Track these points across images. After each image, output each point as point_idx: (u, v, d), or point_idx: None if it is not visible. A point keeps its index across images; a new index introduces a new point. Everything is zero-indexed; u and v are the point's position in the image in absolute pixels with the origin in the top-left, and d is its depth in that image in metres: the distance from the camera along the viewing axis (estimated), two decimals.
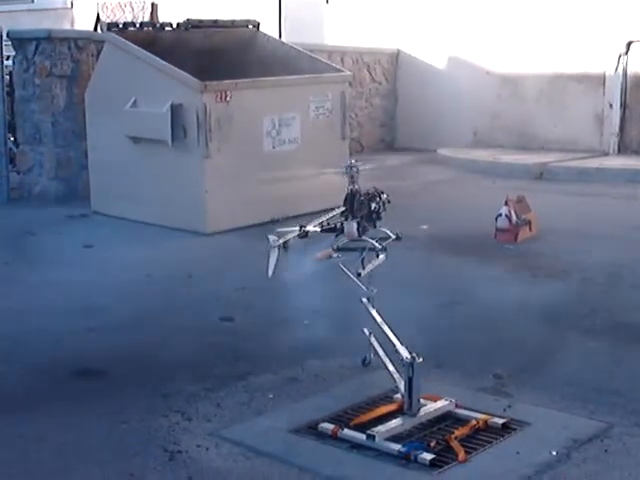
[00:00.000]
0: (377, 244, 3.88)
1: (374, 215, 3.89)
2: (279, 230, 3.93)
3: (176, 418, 3.78)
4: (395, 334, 3.77)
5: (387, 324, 3.83)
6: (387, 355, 3.84)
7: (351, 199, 3.86)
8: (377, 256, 3.91)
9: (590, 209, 7.98)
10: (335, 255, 3.85)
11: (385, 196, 3.92)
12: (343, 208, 3.88)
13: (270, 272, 3.81)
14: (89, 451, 3.52)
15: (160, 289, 5.75)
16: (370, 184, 4.01)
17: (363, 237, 3.88)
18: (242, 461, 3.41)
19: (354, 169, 3.87)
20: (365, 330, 4.05)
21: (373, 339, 4.00)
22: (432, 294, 5.48)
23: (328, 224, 3.91)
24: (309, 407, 3.86)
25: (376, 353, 3.97)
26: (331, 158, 7.31)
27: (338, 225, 3.89)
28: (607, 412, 3.77)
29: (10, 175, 8.71)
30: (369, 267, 3.91)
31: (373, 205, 3.87)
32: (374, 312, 3.89)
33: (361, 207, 3.86)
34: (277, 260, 3.82)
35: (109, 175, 7.71)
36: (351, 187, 3.87)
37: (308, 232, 3.87)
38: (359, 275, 3.90)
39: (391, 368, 3.79)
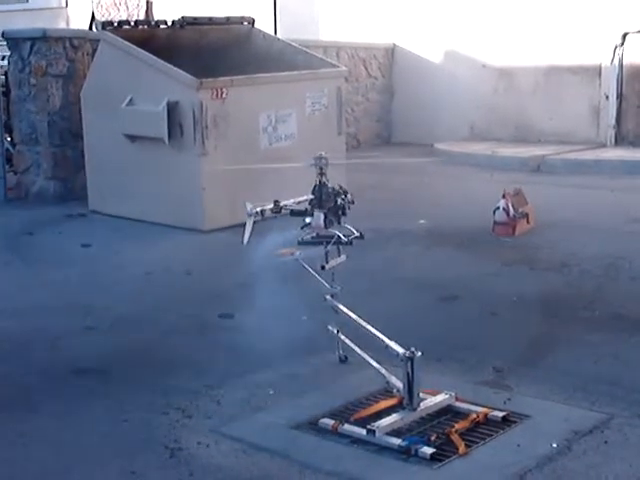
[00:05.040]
0: (343, 237, 3.91)
1: (339, 211, 3.93)
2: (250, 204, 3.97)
3: (176, 415, 3.78)
4: (379, 330, 3.78)
5: (366, 321, 3.85)
6: (364, 350, 3.87)
7: (319, 190, 3.90)
8: (339, 254, 3.94)
9: (587, 201, 7.98)
10: (298, 253, 3.88)
11: (350, 196, 3.97)
12: (312, 196, 3.92)
13: (245, 240, 3.84)
14: (90, 449, 3.52)
15: (159, 287, 5.75)
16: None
17: (329, 229, 3.92)
18: (243, 457, 3.41)
19: (323, 161, 3.90)
20: (330, 327, 4.07)
21: (342, 336, 4.03)
22: (430, 288, 5.48)
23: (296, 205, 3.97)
24: (309, 403, 3.87)
25: (344, 349, 4.02)
26: (328, 154, 7.29)
27: (308, 209, 3.94)
28: (607, 403, 3.78)
29: (7, 175, 8.71)
30: (332, 262, 3.95)
31: (339, 200, 3.92)
32: (345, 309, 3.92)
33: (328, 199, 3.91)
34: (253, 228, 3.87)
35: (106, 174, 7.70)
36: (320, 179, 3.90)
37: (282, 207, 3.94)
38: (322, 268, 3.93)
39: (375, 364, 3.81)
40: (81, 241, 6.88)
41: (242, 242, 3.86)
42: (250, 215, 3.90)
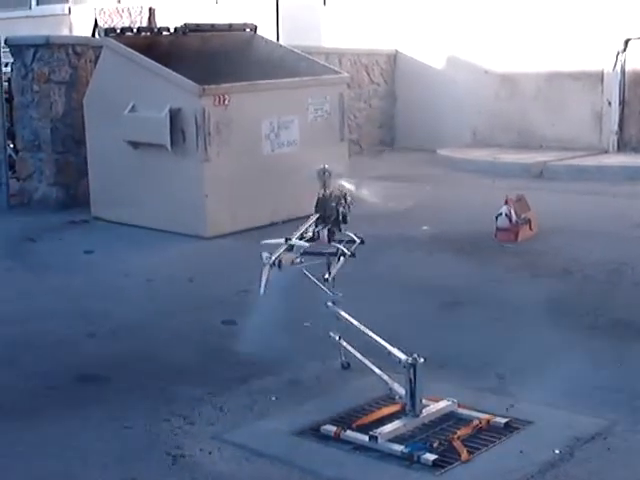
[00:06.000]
0: (346, 250, 3.90)
1: (341, 218, 3.92)
2: (266, 242, 3.93)
3: (179, 422, 3.78)
4: (381, 336, 3.78)
5: (369, 328, 3.85)
6: (366, 356, 3.87)
7: (323, 205, 3.88)
8: (338, 259, 3.94)
9: (590, 207, 7.97)
10: (298, 260, 3.87)
11: (349, 199, 3.95)
12: (317, 215, 3.91)
13: (262, 289, 3.81)
14: (92, 456, 3.52)
15: (161, 294, 5.75)
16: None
17: (332, 243, 3.91)
18: (245, 464, 3.41)
19: (326, 174, 3.88)
20: (332, 334, 4.06)
21: (344, 342, 4.02)
22: (433, 294, 5.48)
23: (306, 233, 3.94)
24: (311, 409, 3.87)
25: (346, 355, 4.02)
26: (330, 160, 7.28)
27: (316, 235, 3.92)
28: (610, 410, 3.77)
29: (10, 182, 8.72)
30: (334, 271, 3.94)
31: (341, 209, 3.91)
32: (347, 315, 3.91)
33: (331, 212, 3.90)
34: (269, 277, 3.83)
35: (109, 180, 7.71)
36: (323, 192, 3.88)
37: (294, 246, 3.87)
38: (326, 280, 3.92)
39: (377, 370, 3.80)
40: (84, 248, 6.88)
41: (260, 293, 3.82)
42: (265, 264, 3.86)
